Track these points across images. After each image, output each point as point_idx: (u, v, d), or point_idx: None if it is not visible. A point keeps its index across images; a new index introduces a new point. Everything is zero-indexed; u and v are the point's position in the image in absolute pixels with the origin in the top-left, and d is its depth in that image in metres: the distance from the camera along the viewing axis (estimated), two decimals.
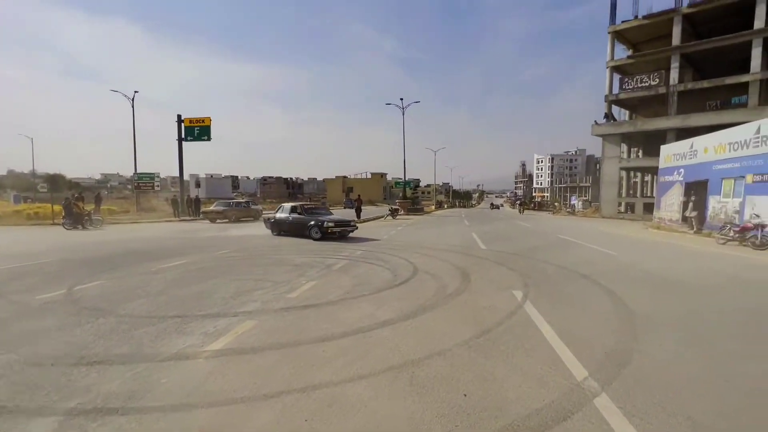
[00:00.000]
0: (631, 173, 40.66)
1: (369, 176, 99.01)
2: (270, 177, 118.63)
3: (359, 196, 23.70)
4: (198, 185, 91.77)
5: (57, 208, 20.56)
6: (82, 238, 13.82)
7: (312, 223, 12.73)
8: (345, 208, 52.52)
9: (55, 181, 56.03)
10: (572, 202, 42.33)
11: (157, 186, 28.30)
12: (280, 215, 14.37)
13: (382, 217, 27.35)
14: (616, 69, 33.89)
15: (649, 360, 3.41)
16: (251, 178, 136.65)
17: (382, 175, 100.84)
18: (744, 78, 27.05)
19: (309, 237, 12.69)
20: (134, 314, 4.69)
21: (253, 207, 26.74)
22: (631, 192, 40.30)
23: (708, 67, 30.99)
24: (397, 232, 15.92)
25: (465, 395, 2.80)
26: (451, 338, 3.90)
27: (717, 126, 20.34)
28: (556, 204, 32.29)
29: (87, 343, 3.77)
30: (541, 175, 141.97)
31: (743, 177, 13.54)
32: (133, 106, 30.01)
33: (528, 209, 57.00)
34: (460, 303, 5.22)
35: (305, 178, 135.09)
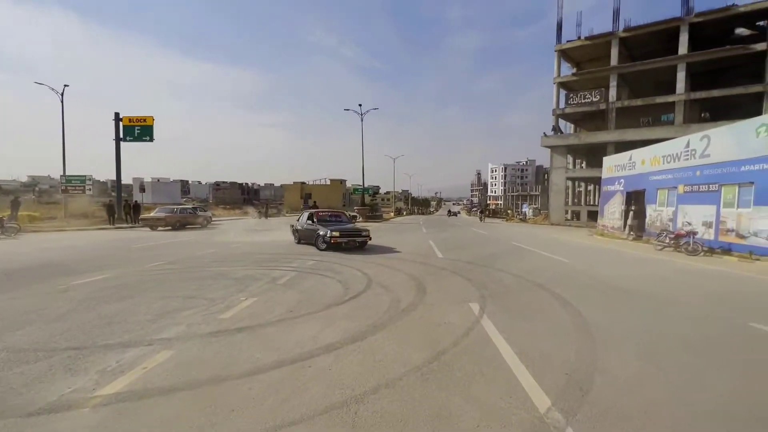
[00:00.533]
0: (577, 183, 43.25)
1: (328, 182, 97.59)
2: (224, 182, 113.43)
3: (315, 202, 22.86)
4: (142, 190, 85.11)
5: None
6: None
7: (320, 233, 11.82)
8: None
9: None
10: (523, 210, 44.20)
11: (89, 190, 25.54)
12: (298, 223, 13.91)
13: None
14: (562, 85, 36.00)
15: (611, 382, 3.17)
16: (203, 183, 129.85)
17: (342, 182, 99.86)
18: (671, 98, 29.74)
19: (317, 247, 11.92)
20: (15, 347, 3.77)
21: (201, 213, 25.00)
22: (576, 201, 42.79)
23: (641, 87, 33.79)
24: None
25: None
26: (401, 364, 3.45)
27: (649, 140, 22.00)
28: (509, 212, 33.30)
29: None
30: (495, 184, 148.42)
31: (675, 187, 14.56)
32: (62, 101, 27.06)
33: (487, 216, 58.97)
34: (413, 320, 4.80)
35: (262, 184, 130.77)
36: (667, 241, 12.80)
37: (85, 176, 25.29)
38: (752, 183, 11.23)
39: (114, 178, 27.97)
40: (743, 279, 8.23)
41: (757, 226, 10.95)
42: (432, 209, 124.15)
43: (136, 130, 26.28)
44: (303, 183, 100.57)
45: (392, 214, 54.21)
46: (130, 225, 23.47)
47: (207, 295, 5.89)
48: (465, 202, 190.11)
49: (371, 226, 26.40)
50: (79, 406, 2.72)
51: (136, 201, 28.08)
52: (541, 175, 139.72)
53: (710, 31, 28.85)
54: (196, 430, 2.45)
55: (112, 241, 14.72)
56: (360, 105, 33.33)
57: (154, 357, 3.56)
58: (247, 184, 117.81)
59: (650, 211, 16.25)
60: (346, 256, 10.39)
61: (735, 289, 7.28)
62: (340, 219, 14.02)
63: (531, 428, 2.49)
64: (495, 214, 66.98)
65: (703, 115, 31.75)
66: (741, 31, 29.34)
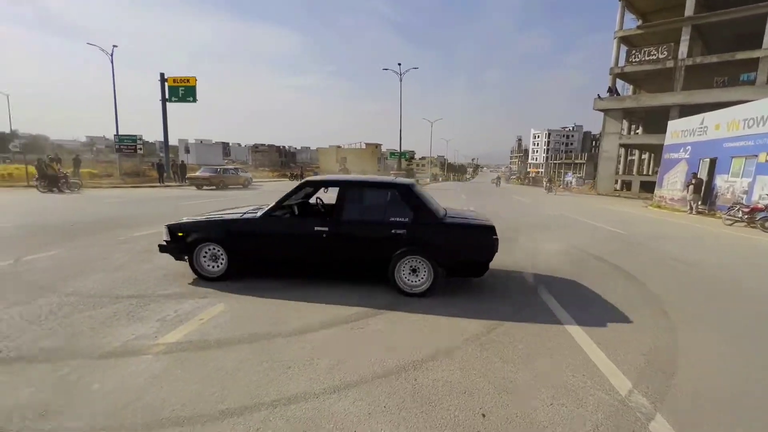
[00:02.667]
0: (630, 151, 40.00)
1: (364, 146, 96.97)
2: (262, 144, 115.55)
3: (345, 163, 22.76)
4: (187, 151, 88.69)
5: (31, 170, 19.33)
6: (53, 202, 12.85)
7: None
8: None
9: (36, 142, 53.60)
10: (567, 179, 41.66)
11: (140, 149, 26.84)
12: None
13: None
14: (623, 40, 32.41)
15: (695, 364, 2.83)
16: (243, 145, 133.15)
17: (377, 146, 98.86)
18: (756, 53, 25.96)
19: None
20: (82, 293, 3.97)
21: (242, 174, 25.67)
22: (627, 170, 39.79)
23: (717, 42, 29.72)
24: None
25: (483, 416, 2.18)
26: (458, 332, 3.28)
27: (722, 104, 19.53)
28: (545, 180, 30.83)
29: (12, 331, 3.06)
30: (537, 150, 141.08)
31: (755, 155, 12.93)
32: (112, 62, 28.00)
33: (523, 184, 56.60)
34: (463, 287, 4.58)
35: (298, 147, 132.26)
36: (740, 215, 11.54)
37: (136, 136, 26.49)
38: None
39: (161, 138, 29.11)
40: None
41: None
42: (468, 176, 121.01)
43: (180, 90, 26.85)
44: (338, 146, 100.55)
45: (428, 180, 53.25)
46: (178, 184, 24.61)
47: None
48: (504, 169, 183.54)
49: None
50: (143, 352, 2.78)
51: (183, 161, 29.24)
52: (589, 141, 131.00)
53: None
54: (255, 385, 2.42)
55: (163, 198, 15.46)
56: (399, 64, 31.92)
57: (209, 309, 3.61)
58: (284, 146, 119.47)
59: (720, 181, 14.67)
60: None
61: None
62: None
63: (613, 411, 2.24)
64: (535, 182, 64.16)
65: None
66: None
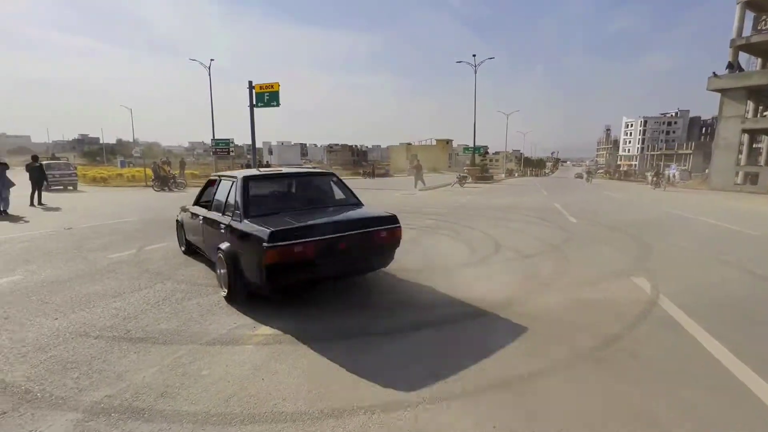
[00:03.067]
0: (755, 138, 33.51)
1: (434, 143, 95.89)
2: (336, 144, 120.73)
3: (417, 160, 22.52)
4: (270, 152, 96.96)
5: (148, 172, 22.49)
6: (163, 200, 14.73)
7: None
8: (409, 176, 51.56)
9: (151, 149, 62.73)
10: (671, 171, 36.08)
11: (232, 151, 29.69)
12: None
13: (449, 184, 25.92)
14: (749, 5, 27.16)
15: None
16: (318, 145, 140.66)
17: (448, 142, 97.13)
18: None
19: None
20: (191, 281, 4.35)
21: None
22: (752, 160, 33.43)
23: None
24: (468, 200, 14.64)
25: None
26: (567, 347, 2.88)
27: None
28: (657, 173, 25.85)
29: (137, 313, 3.43)
30: (630, 141, 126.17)
31: None
32: (209, 75, 31.32)
33: (612, 179, 50.98)
34: (562, 294, 4.10)
35: (369, 146, 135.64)
36: None
37: (228, 140, 29.30)
38: None
39: (249, 141, 31.85)
40: None
41: None
42: (547, 171, 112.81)
43: (265, 96, 28.80)
44: (408, 144, 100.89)
45: (503, 175, 50.80)
46: None
47: None
48: (589, 162, 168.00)
49: (482, 187, 25.04)
50: (244, 342, 2.89)
51: (267, 161, 31.69)
52: (697, 128, 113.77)
53: None
54: (351, 386, 2.35)
55: None
56: (474, 56, 30.73)
57: (307, 304, 3.69)
58: (356, 146, 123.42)
59: None
60: (462, 214, 9.82)
61: None
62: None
63: None
64: (627, 176, 57.43)
65: None
66: None
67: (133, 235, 7.10)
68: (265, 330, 3.08)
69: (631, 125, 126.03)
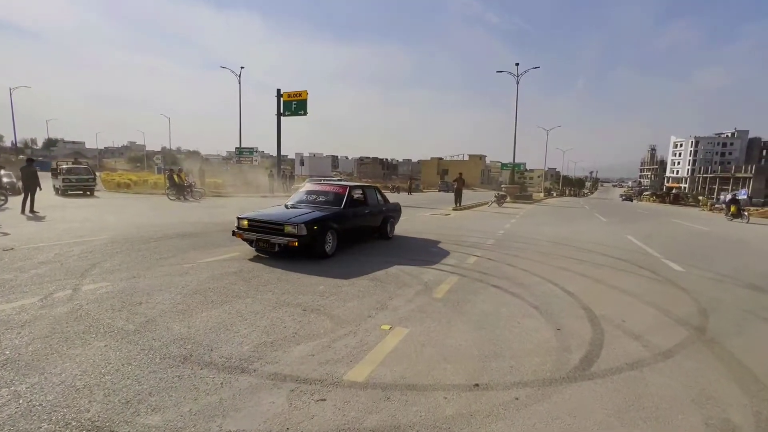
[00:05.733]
0: None
1: (466, 158, 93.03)
2: (366, 157, 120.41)
3: (460, 174, 19.68)
4: (302, 163, 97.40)
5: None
6: (169, 210, 13.25)
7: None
8: (439, 191, 48.99)
9: (190, 157, 64.00)
10: (741, 196, 31.10)
11: (256, 161, 28.66)
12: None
13: (486, 203, 23.37)
14: None
15: None
16: (349, 158, 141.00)
17: (481, 157, 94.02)
18: None
19: None
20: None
21: None
22: None
23: None
24: (513, 225, 12.17)
25: None
26: None
27: None
28: (733, 201, 22.30)
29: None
30: (679, 162, 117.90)
31: None
32: (239, 82, 30.79)
33: (663, 203, 46.33)
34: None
35: (400, 159, 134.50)
36: None
37: (252, 149, 28.28)
38: None
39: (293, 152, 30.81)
40: None
41: None
42: (586, 191, 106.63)
43: (293, 104, 27.93)
44: (440, 159, 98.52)
45: (541, 194, 47.26)
46: (285, 194, 25.27)
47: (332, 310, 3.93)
48: (631, 183, 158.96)
49: (524, 208, 22.30)
50: None
51: (292, 171, 30.45)
52: (757, 150, 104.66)
53: None
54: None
55: (265, 204, 15.11)
56: (517, 64, 28.33)
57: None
58: (386, 159, 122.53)
59: None
60: (512, 248, 7.45)
61: None
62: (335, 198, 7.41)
63: None
64: (677, 200, 52.08)
65: None
66: None
67: (75, 264, 5.29)
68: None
69: (681, 145, 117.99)
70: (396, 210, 9.01)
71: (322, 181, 22.61)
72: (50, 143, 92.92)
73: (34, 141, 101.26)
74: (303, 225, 5.84)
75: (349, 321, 3.59)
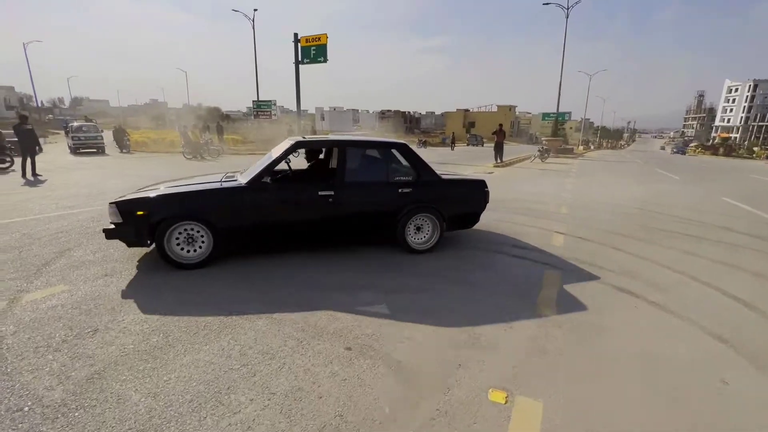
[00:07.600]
0: None
1: (495, 109, 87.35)
2: (388, 111, 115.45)
3: (501, 126, 16.99)
4: (323, 118, 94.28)
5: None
6: (183, 170, 11.97)
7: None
8: (468, 145, 45.81)
9: (210, 113, 62.40)
10: None
11: (275, 114, 26.79)
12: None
13: (527, 158, 21.04)
14: None
15: None
16: (371, 111, 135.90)
17: (510, 108, 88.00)
18: None
19: None
20: None
21: None
22: None
23: None
24: (574, 186, 10.20)
25: None
26: None
27: None
28: (755, 149, 19.09)
29: None
30: (731, 109, 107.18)
31: None
32: (253, 27, 28.16)
33: (714, 154, 41.95)
34: None
35: (423, 112, 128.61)
36: None
37: (270, 101, 26.35)
38: None
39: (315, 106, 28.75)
40: None
41: None
42: (623, 143, 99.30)
43: (312, 50, 25.33)
44: (466, 110, 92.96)
45: (581, 147, 43.49)
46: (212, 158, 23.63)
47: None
48: (672, 134, 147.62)
49: (570, 163, 19.83)
50: None
51: (313, 127, 28.55)
52: None
53: None
54: None
55: None
56: None
57: None
58: (409, 112, 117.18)
59: None
60: (595, 219, 5.71)
61: None
62: None
63: None
64: (730, 151, 47.07)
65: None
66: None
67: (37, 252, 3.98)
68: None
69: (736, 90, 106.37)
70: (470, 190, 4.65)
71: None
72: (76, 102, 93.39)
73: (61, 100, 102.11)
74: (115, 206, 3.42)
75: (421, 378, 2.09)
